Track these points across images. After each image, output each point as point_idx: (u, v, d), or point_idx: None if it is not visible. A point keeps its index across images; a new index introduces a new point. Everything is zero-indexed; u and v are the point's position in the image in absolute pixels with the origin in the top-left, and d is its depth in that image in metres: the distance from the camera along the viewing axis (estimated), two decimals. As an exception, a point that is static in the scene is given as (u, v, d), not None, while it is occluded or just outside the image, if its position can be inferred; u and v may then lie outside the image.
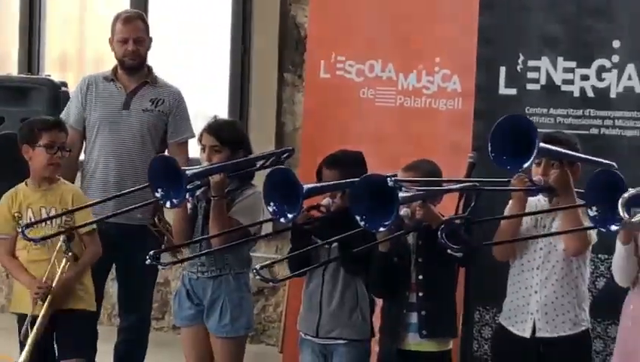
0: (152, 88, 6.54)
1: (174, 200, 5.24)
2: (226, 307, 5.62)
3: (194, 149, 6.23)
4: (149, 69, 6.63)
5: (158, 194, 5.23)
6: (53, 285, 5.61)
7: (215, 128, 5.70)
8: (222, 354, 5.69)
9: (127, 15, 6.63)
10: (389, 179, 4.84)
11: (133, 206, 5.78)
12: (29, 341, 5.60)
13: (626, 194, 4.35)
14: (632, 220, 4.38)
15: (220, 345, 5.68)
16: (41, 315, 5.59)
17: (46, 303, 5.60)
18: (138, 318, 6.57)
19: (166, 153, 6.50)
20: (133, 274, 6.36)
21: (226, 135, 5.66)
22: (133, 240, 6.26)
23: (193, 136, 6.52)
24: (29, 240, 5.48)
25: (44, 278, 5.63)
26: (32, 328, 5.61)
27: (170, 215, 6.17)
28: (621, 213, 4.32)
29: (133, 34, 6.49)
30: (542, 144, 4.73)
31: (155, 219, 6.30)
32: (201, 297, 5.66)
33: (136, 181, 6.21)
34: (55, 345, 5.79)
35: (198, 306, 5.68)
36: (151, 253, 5.30)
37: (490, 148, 4.74)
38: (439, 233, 4.77)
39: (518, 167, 4.81)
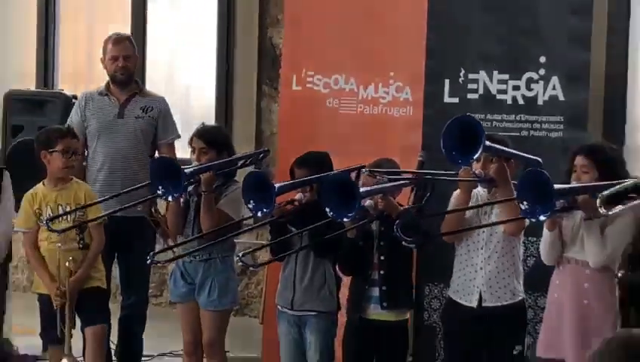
0: (141, 98, 6.53)
1: (175, 195, 5.28)
2: (215, 285, 5.65)
3: (184, 151, 6.20)
4: (137, 82, 6.64)
5: (159, 191, 5.24)
6: (68, 282, 5.61)
7: (203, 133, 5.73)
8: (209, 325, 5.72)
9: (118, 37, 6.61)
10: (363, 169, 4.89)
11: (138, 200, 5.82)
12: (67, 333, 5.63)
13: (605, 192, 4.41)
14: (609, 213, 4.44)
15: (208, 317, 5.71)
16: (66, 312, 5.62)
17: (67, 302, 5.61)
18: (137, 297, 6.53)
19: (157, 153, 6.51)
20: (133, 259, 6.32)
21: (213, 138, 5.70)
22: (133, 230, 6.25)
23: (179, 136, 6.58)
24: (52, 230, 5.51)
25: (59, 283, 5.63)
26: (62, 322, 5.63)
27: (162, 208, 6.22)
28: (600, 209, 4.46)
29: (122, 52, 6.49)
30: (487, 142, 4.79)
31: (152, 210, 6.26)
32: (194, 277, 5.69)
33: (133, 178, 6.26)
34: (77, 317, 5.78)
35: (191, 285, 5.71)
36: (152, 253, 5.44)
37: (442, 145, 4.79)
38: (395, 227, 4.81)
39: (468, 161, 4.87)
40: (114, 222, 5.97)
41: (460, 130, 4.79)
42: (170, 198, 5.36)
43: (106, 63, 6.54)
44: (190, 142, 5.70)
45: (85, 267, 5.71)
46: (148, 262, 5.35)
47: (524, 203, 4.58)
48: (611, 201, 4.71)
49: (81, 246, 5.72)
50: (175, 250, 5.78)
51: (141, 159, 6.40)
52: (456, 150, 4.79)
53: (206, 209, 5.50)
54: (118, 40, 6.55)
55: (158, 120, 6.50)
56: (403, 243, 4.91)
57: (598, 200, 4.53)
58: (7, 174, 6.13)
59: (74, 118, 6.52)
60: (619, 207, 4.61)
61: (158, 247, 6.15)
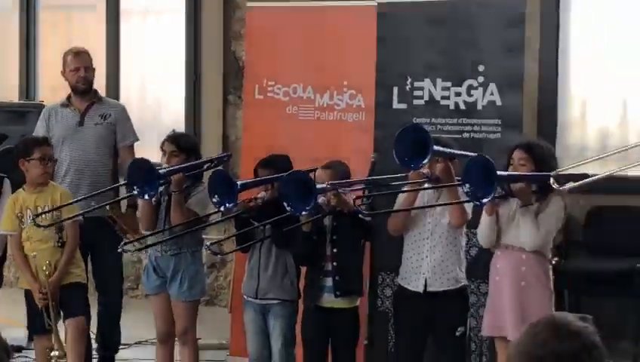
0: (100, 106, 6.51)
1: (151, 193, 5.31)
2: (185, 278, 5.66)
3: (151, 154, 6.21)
4: (96, 91, 6.61)
5: (135, 190, 5.28)
6: (50, 280, 5.62)
7: (174, 138, 5.77)
8: (182, 315, 5.72)
9: (78, 50, 6.59)
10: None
11: (110, 201, 5.85)
12: (54, 328, 5.64)
13: (562, 171, 4.48)
14: (561, 188, 4.50)
15: (180, 307, 5.72)
16: (51, 311, 5.62)
17: (50, 302, 5.62)
18: (112, 293, 6.53)
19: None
20: (105, 257, 6.33)
21: (183, 143, 5.73)
22: (103, 229, 6.22)
23: (137, 139, 6.58)
24: (39, 226, 5.53)
25: (39, 284, 5.63)
26: (48, 317, 5.64)
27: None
28: (553, 185, 4.53)
29: (83, 64, 6.47)
30: (436, 147, 4.82)
31: (107, 208, 6.19)
32: (165, 270, 5.70)
33: (96, 180, 6.30)
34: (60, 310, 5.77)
35: (163, 278, 5.72)
36: (122, 243, 5.46)
37: (394, 153, 4.79)
38: (353, 201, 4.93)
39: (418, 165, 4.89)
40: (86, 222, 5.95)
41: (410, 138, 4.84)
42: (146, 197, 5.39)
43: (67, 75, 6.51)
44: (162, 147, 5.73)
45: (63, 264, 5.70)
46: (118, 250, 5.37)
47: (467, 185, 4.64)
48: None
49: (59, 244, 5.72)
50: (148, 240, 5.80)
51: (103, 162, 6.41)
52: (408, 156, 4.81)
53: (176, 207, 5.53)
54: (78, 53, 6.53)
55: (117, 125, 6.47)
56: (360, 216, 5.00)
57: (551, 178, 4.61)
58: (7, 181, 6.16)
59: (39, 131, 6.47)
60: (569, 184, 4.69)
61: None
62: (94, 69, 6.62)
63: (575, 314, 2.23)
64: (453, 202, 5.12)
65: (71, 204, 5.73)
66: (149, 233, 5.71)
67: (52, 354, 5.56)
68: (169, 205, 5.58)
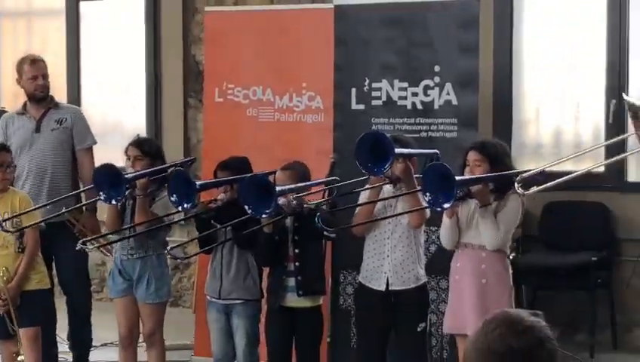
0: (56, 111, 6.45)
1: (118, 198, 5.27)
2: (151, 280, 5.63)
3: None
4: (52, 97, 6.54)
5: (102, 195, 5.24)
6: (10, 286, 5.56)
7: (138, 143, 5.74)
8: (148, 317, 5.70)
9: (34, 57, 6.52)
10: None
11: (74, 206, 5.80)
12: (17, 333, 5.57)
13: (526, 175, 4.47)
14: (526, 193, 4.51)
15: (147, 309, 5.69)
16: (13, 316, 5.55)
17: (10, 307, 5.55)
18: (80, 295, 6.49)
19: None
20: (69, 260, 6.28)
21: (147, 148, 5.70)
22: (65, 233, 6.16)
23: (95, 142, 6.53)
24: (7, 231, 5.48)
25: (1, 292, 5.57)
26: (12, 323, 5.57)
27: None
28: (517, 189, 4.54)
29: (40, 71, 6.41)
30: (397, 150, 4.83)
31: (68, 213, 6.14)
32: (131, 273, 5.66)
33: (56, 185, 6.26)
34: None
35: (129, 281, 5.68)
36: (80, 241, 5.41)
37: (356, 160, 4.78)
38: (316, 219, 4.87)
39: (381, 170, 4.87)
40: (48, 227, 5.90)
41: (370, 143, 4.83)
42: (113, 202, 5.34)
43: (24, 83, 6.43)
44: (126, 151, 5.68)
45: (23, 270, 5.63)
46: (77, 248, 5.30)
47: (428, 194, 4.66)
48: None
49: (19, 250, 5.64)
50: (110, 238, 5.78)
51: (62, 166, 6.36)
52: (370, 161, 4.82)
53: (140, 211, 5.49)
54: (34, 60, 6.46)
55: (73, 129, 6.42)
56: (325, 233, 4.99)
57: (516, 183, 4.62)
58: None
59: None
60: (533, 189, 4.69)
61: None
62: (48, 76, 6.56)
63: (526, 310, 2.27)
64: (414, 209, 5.11)
65: (34, 209, 5.67)
66: (110, 233, 5.66)
67: (19, 358, 5.49)
68: (134, 209, 5.54)
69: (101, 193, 5.25)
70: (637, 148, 4.07)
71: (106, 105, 8.51)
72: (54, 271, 6.40)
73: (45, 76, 6.44)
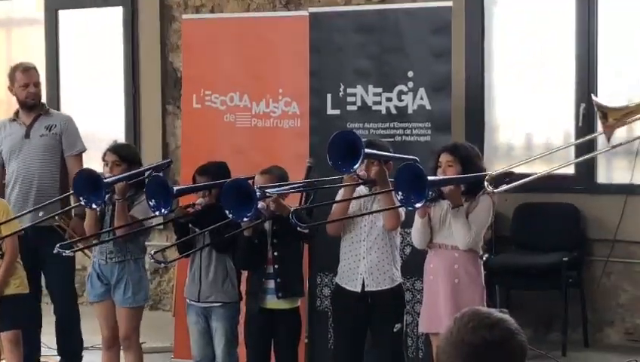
0: (45, 118, 6.42)
1: (98, 202, 5.26)
2: (129, 284, 5.61)
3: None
4: (43, 104, 6.53)
5: (82, 200, 5.22)
6: None
7: (116, 148, 5.71)
8: (124, 320, 5.66)
9: (26, 65, 6.50)
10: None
11: (58, 211, 5.78)
12: None
13: (494, 173, 4.48)
14: (495, 191, 4.51)
15: (124, 313, 5.65)
16: None
17: None
18: (65, 298, 6.45)
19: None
20: (55, 265, 6.20)
21: (124, 153, 5.68)
22: (50, 238, 6.13)
23: (84, 149, 6.49)
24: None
25: None
26: None
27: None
28: (487, 188, 4.53)
29: (32, 80, 6.39)
30: (366, 150, 4.84)
31: (57, 218, 6.12)
32: (109, 278, 5.63)
33: (44, 190, 6.23)
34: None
35: (107, 285, 5.65)
36: (58, 244, 5.34)
37: (328, 158, 4.81)
38: (290, 216, 4.88)
39: (351, 169, 4.91)
40: (36, 231, 5.89)
41: (342, 143, 4.85)
42: (93, 206, 5.33)
43: (16, 91, 6.42)
44: (103, 157, 5.66)
45: (2, 276, 5.60)
46: (54, 251, 5.27)
47: (400, 193, 4.67)
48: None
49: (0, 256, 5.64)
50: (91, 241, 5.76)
51: (50, 172, 6.33)
52: (341, 160, 4.83)
53: (119, 215, 5.46)
54: (26, 69, 6.44)
55: (62, 135, 6.40)
56: (297, 228, 4.97)
57: (485, 182, 4.62)
58: None
59: None
60: (503, 187, 4.70)
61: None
62: (40, 83, 6.56)
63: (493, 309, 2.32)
64: (388, 208, 5.11)
65: (21, 216, 5.70)
66: (92, 236, 5.64)
67: (2, 359, 5.46)
68: (113, 214, 5.51)
69: (81, 198, 5.23)
70: (604, 149, 4.09)
71: (85, 112, 8.46)
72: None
73: (37, 84, 6.42)
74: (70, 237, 6.09)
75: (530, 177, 4.77)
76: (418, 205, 4.75)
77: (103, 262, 5.64)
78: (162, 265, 5.61)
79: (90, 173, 5.31)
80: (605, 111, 3.90)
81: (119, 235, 5.49)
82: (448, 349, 2.17)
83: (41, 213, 5.89)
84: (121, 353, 5.86)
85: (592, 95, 4.04)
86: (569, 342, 6.91)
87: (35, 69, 6.54)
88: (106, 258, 5.63)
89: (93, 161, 6.41)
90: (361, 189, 5.30)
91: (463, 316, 2.21)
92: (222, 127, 6.69)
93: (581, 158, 4.69)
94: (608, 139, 3.95)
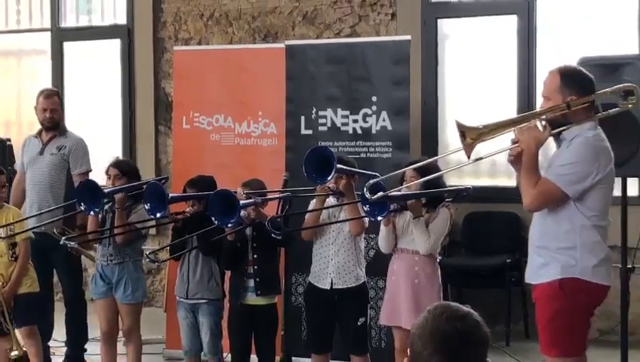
0: (59, 138, 6.39)
1: (96, 210, 5.24)
2: (128, 283, 5.57)
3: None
4: (61, 125, 6.50)
5: (82, 206, 5.18)
6: (4, 290, 5.48)
7: (117, 163, 5.71)
8: (126, 316, 5.63)
9: (48, 92, 6.49)
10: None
11: (60, 216, 5.77)
12: (11, 331, 5.48)
13: (371, 181, 4.48)
14: (373, 198, 4.50)
15: (125, 309, 5.62)
16: (6, 316, 5.47)
17: (5, 309, 5.47)
18: (72, 292, 6.43)
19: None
20: (62, 263, 6.24)
21: (125, 168, 5.66)
22: (58, 243, 6.10)
23: (90, 169, 6.45)
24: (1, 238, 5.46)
25: None
26: (5, 322, 5.48)
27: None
28: (366, 194, 4.47)
29: (50, 105, 6.37)
30: (339, 165, 4.87)
31: (55, 228, 6.07)
32: (110, 277, 5.60)
33: (50, 200, 6.21)
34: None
35: (109, 284, 5.62)
36: (64, 237, 5.38)
37: (304, 170, 4.83)
38: (266, 223, 4.89)
39: (324, 181, 4.95)
40: (44, 238, 5.89)
41: (316, 157, 4.88)
42: (92, 213, 5.32)
43: (37, 112, 6.44)
44: (107, 171, 5.64)
45: (16, 276, 5.56)
46: (60, 242, 5.29)
47: (366, 206, 4.68)
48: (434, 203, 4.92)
49: (12, 259, 5.58)
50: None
51: (57, 186, 6.30)
52: (315, 172, 4.86)
53: (119, 222, 5.45)
54: (48, 95, 6.44)
55: (70, 156, 6.37)
56: (272, 235, 4.97)
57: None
58: None
59: (20, 157, 6.54)
60: (380, 194, 4.58)
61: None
62: (62, 109, 6.57)
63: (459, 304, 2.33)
64: (354, 218, 5.13)
65: (27, 218, 5.69)
66: (91, 232, 5.59)
67: (12, 354, 5.40)
68: (113, 221, 5.49)
69: (82, 204, 5.21)
70: (466, 163, 4.13)
71: (86, 132, 8.39)
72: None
73: (54, 110, 6.38)
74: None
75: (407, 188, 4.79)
76: (380, 218, 4.81)
77: (104, 263, 5.61)
78: (156, 264, 5.57)
79: (91, 184, 5.30)
80: (463, 131, 3.92)
81: (118, 240, 5.47)
82: (424, 337, 2.17)
83: (49, 221, 5.88)
84: (119, 345, 5.83)
85: (455, 119, 4.05)
86: (512, 334, 6.93)
87: (57, 95, 6.53)
88: (107, 260, 5.60)
89: (95, 175, 6.39)
90: (330, 200, 5.31)
91: (437, 308, 2.23)
92: (208, 145, 6.68)
93: (445, 171, 4.73)
94: (468, 157, 3.97)
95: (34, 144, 6.43)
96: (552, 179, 3.91)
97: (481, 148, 4.11)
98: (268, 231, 5.07)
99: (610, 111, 4.06)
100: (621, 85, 4.13)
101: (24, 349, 5.50)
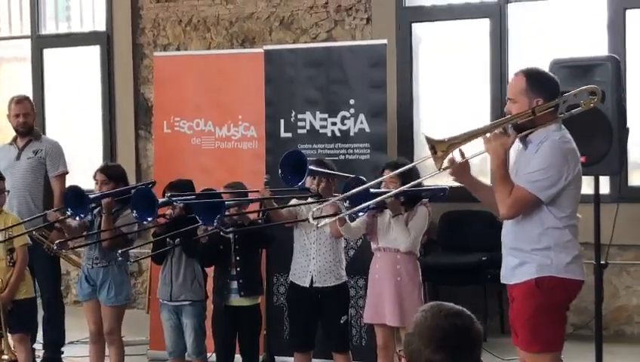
0: (35, 143, 6.40)
1: (81, 215, 5.25)
2: (112, 286, 5.55)
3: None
4: (36, 131, 6.51)
5: (69, 212, 5.16)
6: (2, 295, 5.47)
7: (105, 169, 5.70)
8: (108, 317, 5.61)
9: (19, 98, 6.49)
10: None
11: (46, 223, 5.74)
12: (4, 335, 5.47)
13: (347, 193, 4.51)
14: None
15: (108, 311, 5.59)
16: (1, 321, 5.45)
17: (1, 314, 5.45)
18: (49, 296, 6.41)
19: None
20: (39, 268, 6.18)
21: (112, 173, 5.64)
22: (38, 247, 6.06)
23: (66, 171, 6.44)
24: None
25: None
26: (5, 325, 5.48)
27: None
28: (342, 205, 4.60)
29: (22, 110, 6.38)
30: (310, 167, 4.90)
31: (36, 232, 6.04)
32: (95, 280, 5.57)
33: (30, 203, 6.24)
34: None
35: (93, 286, 5.59)
36: (57, 241, 5.39)
37: (280, 173, 4.87)
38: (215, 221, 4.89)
39: (298, 183, 4.97)
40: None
41: (291, 161, 4.91)
42: (77, 218, 5.30)
43: (11, 119, 6.43)
44: (94, 176, 5.61)
45: (14, 281, 5.53)
46: (52, 253, 5.30)
47: (346, 203, 4.71)
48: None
49: (10, 264, 5.55)
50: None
51: (35, 189, 6.31)
52: (291, 175, 4.90)
53: (106, 226, 5.42)
54: (19, 100, 6.43)
55: (46, 159, 6.37)
56: (221, 233, 5.04)
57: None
58: None
59: None
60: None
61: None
62: (35, 113, 6.54)
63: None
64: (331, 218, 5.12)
65: (21, 223, 5.68)
66: (79, 237, 5.58)
67: (3, 357, 5.35)
68: (100, 225, 5.46)
69: (69, 210, 5.19)
70: (432, 173, 4.20)
71: (67, 137, 8.35)
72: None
73: (26, 115, 6.38)
74: (48, 247, 6.00)
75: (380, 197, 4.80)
76: (360, 214, 4.82)
77: (89, 266, 5.58)
78: (129, 262, 5.58)
79: (77, 190, 5.28)
80: (433, 144, 3.97)
81: (104, 244, 5.44)
82: (424, 335, 2.19)
83: (31, 228, 5.87)
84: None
85: (423, 132, 4.11)
86: (488, 329, 6.96)
87: (27, 100, 6.52)
88: (92, 263, 5.57)
89: (77, 179, 6.35)
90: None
91: (432, 307, 2.25)
92: (189, 149, 6.65)
93: (423, 178, 4.76)
94: (439, 169, 4.00)
95: (9, 150, 6.42)
96: (525, 187, 3.95)
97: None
98: (250, 235, 5.06)
99: (573, 111, 4.09)
100: (583, 87, 4.17)
101: (15, 354, 5.48)
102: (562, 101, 4.01)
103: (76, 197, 5.21)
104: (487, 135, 4.01)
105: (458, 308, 2.25)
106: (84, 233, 5.57)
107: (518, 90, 4.03)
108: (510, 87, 4.12)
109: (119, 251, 5.16)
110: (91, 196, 5.31)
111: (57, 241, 5.33)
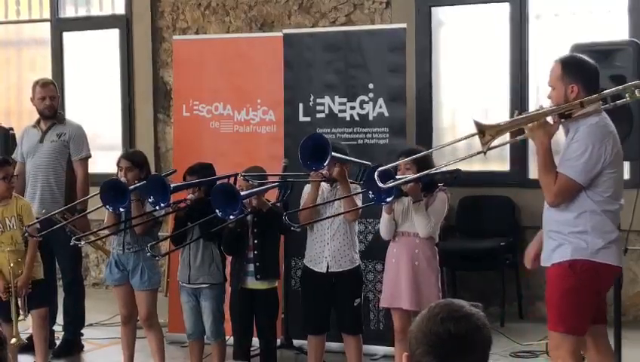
0: (59, 126, 6.42)
1: (121, 209, 5.30)
2: (145, 270, 5.54)
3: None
4: (60, 114, 6.55)
5: (109, 207, 5.25)
6: (17, 282, 5.49)
7: (129, 155, 5.70)
8: (143, 302, 5.58)
9: (44, 81, 6.52)
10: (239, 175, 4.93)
11: (63, 208, 5.78)
12: (13, 319, 5.51)
13: (380, 169, 4.52)
14: (385, 186, 4.54)
15: (143, 296, 5.58)
16: (12, 304, 5.49)
17: (13, 298, 5.48)
18: (70, 278, 6.46)
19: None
20: (63, 251, 6.23)
21: (136, 159, 5.61)
22: (57, 230, 6.08)
23: (89, 155, 6.47)
24: (31, 236, 5.52)
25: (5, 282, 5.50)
26: (16, 309, 5.51)
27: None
28: (378, 183, 4.56)
29: (48, 93, 6.40)
30: (333, 153, 4.89)
31: (60, 215, 6.06)
32: (126, 265, 5.57)
33: (53, 187, 6.28)
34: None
35: (124, 271, 5.59)
36: (74, 237, 5.41)
37: (299, 157, 4.88)
38: (284, 218, 4.99)
39: (319, 167, 5.00)
40: (45, 222, 5.84)
41: (312, 144, 4.91)
42: (120, 210, 5.32)
43: (36, 102, 6.43)
44: (118, 163, 5.58)
45: (28, 263, 5.56)
46: (71, 243, 5.38)
47: (370, 192, 4.73)
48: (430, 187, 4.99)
49: (25, 247, 5.60)
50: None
51: (57, 172, 6.34)
52: (310, 159, 4.90)
53: (136, 213, 5.44)
54: (44, 84, 6.45)
55: (70, 142, 6.39)
56: (292, 228, 5.08)
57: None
58: None
59: (18, 147, 6.54)
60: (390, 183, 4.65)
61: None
62: (59, 97, 6.58)
63: (467, 302, 2.20)
64: (351, 209, 5.13)
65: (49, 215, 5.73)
66: (103, 229, 5.59)
67: (12, 341, 5.38)
68: (129, 211, 5.47)
69: (108, 206, 5.22)
70: (475, 152, 4.22)
71: (86, 120, 8.39)
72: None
73: (52, 98, 6.41)
74: (70, 230, 6.02)
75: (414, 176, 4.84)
76: (389, 200, 4.86)
77: (120, 252, 5.58)
78: (157, 258, 5.55)
79: (117, 184, 5.30)
80: (482, 129, 4.00)
81: (137, 230, 5.44)
82: (419, 336, 2.11)
83: (44, 211, 5.95)
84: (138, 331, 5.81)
85: (473, 118, 4.14)
86: (506, 315, 6.96)
87: (53, 84, 6.55)
88: (124, 248, 5.56)
89: (96, 162, 6.39)
90: (324, 186, 5.31)
91: (436, 306, 2.13)
92: (208, 133, 6.65)
93: (457, 160, 4.74)
94: (484, 153, 4.05)
95: (33, 133, 6.43)
96: (566, 173, 4.03)
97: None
98: (268, 218, 5.06)
99: (618, 102, 4.17)
100: (630, 83, 4.23)
101: (25, 339, 5.55)
102: (609, 95, 4.10)
103: (115, 191, 5.22)
104: (532, 123, 4.07)
105: (465, 311, 2.10)
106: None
107: (555, 77, 4.14)
108: (550, 74, 4.20)
109: (148, 246, 5.18)
110: (172, 186, 5.28)
111: (75, 237, 5.34)
